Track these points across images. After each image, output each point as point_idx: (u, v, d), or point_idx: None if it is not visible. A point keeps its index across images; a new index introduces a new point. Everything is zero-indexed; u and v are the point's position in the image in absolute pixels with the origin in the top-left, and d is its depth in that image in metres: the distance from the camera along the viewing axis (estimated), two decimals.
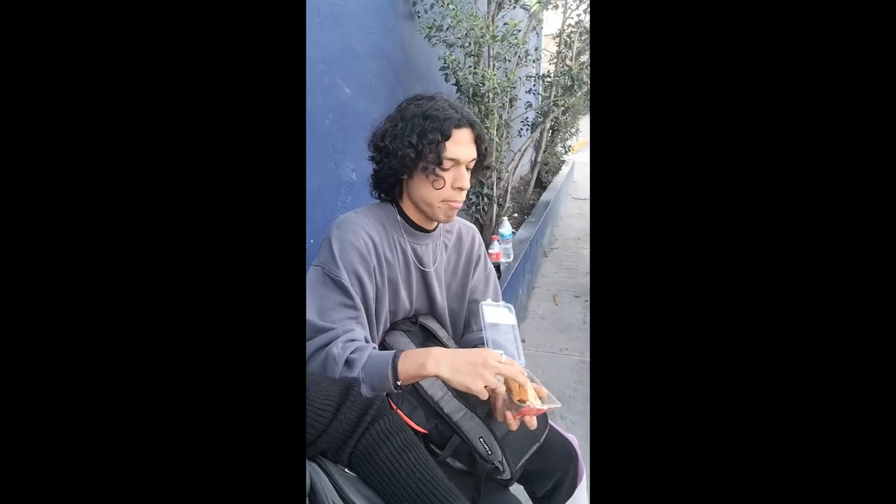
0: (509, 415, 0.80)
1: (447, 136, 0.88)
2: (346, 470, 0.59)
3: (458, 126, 0.90)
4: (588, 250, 3.67)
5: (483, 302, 0.89)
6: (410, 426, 0.86)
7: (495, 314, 0.87)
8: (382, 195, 0.99)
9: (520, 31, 2.44)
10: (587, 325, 2.61)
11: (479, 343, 1.00)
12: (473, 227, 1.10)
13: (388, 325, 0.97)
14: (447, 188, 0.90)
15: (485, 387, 0.73)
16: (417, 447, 0.61)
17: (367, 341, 0.86)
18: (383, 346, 0.96)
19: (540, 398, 0.79)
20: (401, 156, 0.90)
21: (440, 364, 0.74)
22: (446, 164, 0.89)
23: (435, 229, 1.00)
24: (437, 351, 0.77)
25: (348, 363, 0.77)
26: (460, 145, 0.90)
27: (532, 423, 0.80)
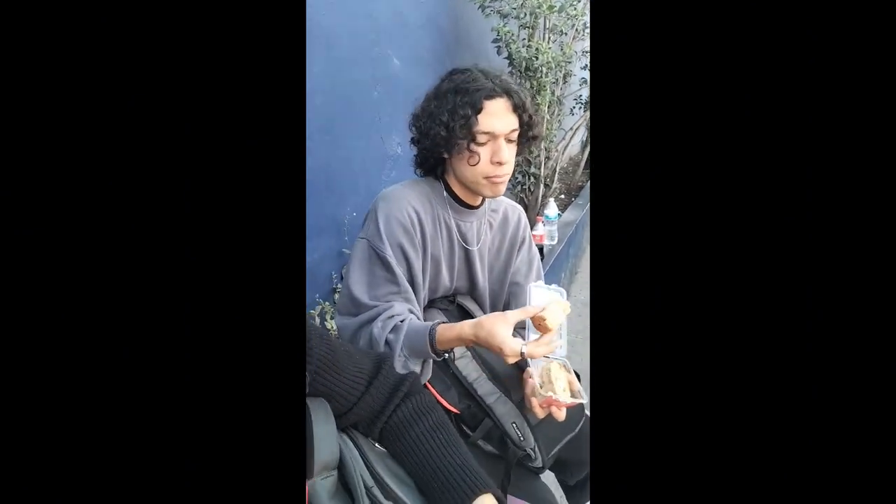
0: (535, 402, 0.78)
1: (478, 110, 0.84)
2: (376, 445, 0.59)
3: (491, 96, 0.85)
4: None
5: (533, 284, 0.86)
6: (442, 405, 0.86)
7: (543, 298, 0.83)
8: (425, 173, 0.97)
9: (579, 1, 2.32)
10: None
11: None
12: (520, 207, 1.06)
13: (426, 303, 0.97)
14: (484, 164, 0.86)
15: (521, 355, 0.71)
16: (449, 428, 0.60)
17: (411, 313, 0.85)
18: None
19: (571, 391, 0.76)
20: (433, 135, 0.87)
21: (474, 328, 0.74)
22: (480, 138, 0.85)
23: (480, 206, 0.97)
24: (471, 321, 0.76)
25: (388, 343, 0.79)
26: (495, 117, 0.85)
27: (559, 415, 0.78)
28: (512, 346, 0.70)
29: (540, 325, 0.74)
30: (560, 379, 0.75)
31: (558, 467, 0.97)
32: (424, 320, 0.95)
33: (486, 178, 0.88)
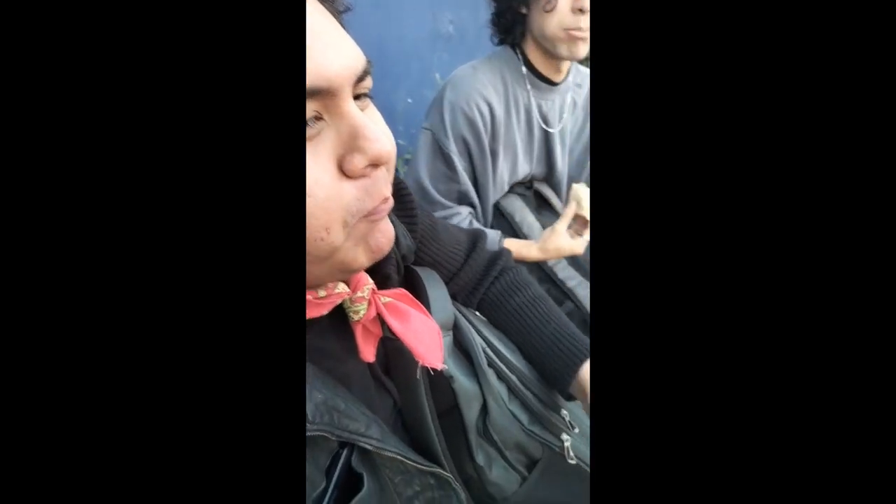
0: None
1: None
2: (476, 313, 0.60)
3: None
4: None
5: None
6: None
7: None
8: (502, 36, 0.88)
9: None
10: None
11: None
12: None
13: (506, 189, 0.94)
14: (563, 11, 0.77)
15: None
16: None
17: (471, 216, 0.87)
18: (498, 210, 0.93)
19: None
20: None
21: (539, 252, 0.84)
22: None
23: (563, 82, 0.89)
24: (531, 244, 0.85)
25: None
26: None
27: None
28: (577, 248, 0.82)
29: (580, 219, 0.83)
30: None
31: None
32: (501, 206, 0.93)
33: (565, 30, 0.78)
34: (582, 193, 0.81)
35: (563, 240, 0.81)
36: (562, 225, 0.81)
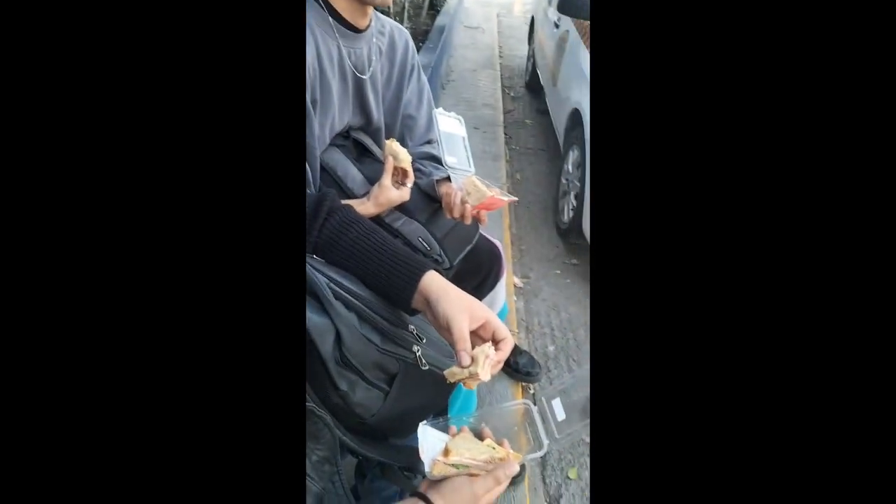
0: (468, 209, 0.87)
1: None
2: (314, 256, 0.61)
3: None
4: (483, 81, 3.66)
5: (437, 111, 0.89)
6: None
7: (448, 124, 0.89)
8: None
9: None
10: (488, 154, 2.72)
11: (416, 157, 1.01)
12: (406, 31, 1.01)
13: (328, 143, 0.93)
14: None
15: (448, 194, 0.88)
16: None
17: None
18: (320, 165, 0.93)
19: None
20: None
21: (373, 206, 0.90)
22: None
23: (367, 28, 0.91)
24: (364, 202, 0.89)
25: None
26: None
27: (484, 218, 0.92)
28: (404, 196, 0.91)
29: (399, 170, 0.90)
30: (482, 187, 0.84)
31: (457, 277, 1.11)
32: (324, 160, 0.93)
33: None
34: (396, 147, 0.88)
35: (391, 192, 0.88)
36: (387, 180, 0.88)
